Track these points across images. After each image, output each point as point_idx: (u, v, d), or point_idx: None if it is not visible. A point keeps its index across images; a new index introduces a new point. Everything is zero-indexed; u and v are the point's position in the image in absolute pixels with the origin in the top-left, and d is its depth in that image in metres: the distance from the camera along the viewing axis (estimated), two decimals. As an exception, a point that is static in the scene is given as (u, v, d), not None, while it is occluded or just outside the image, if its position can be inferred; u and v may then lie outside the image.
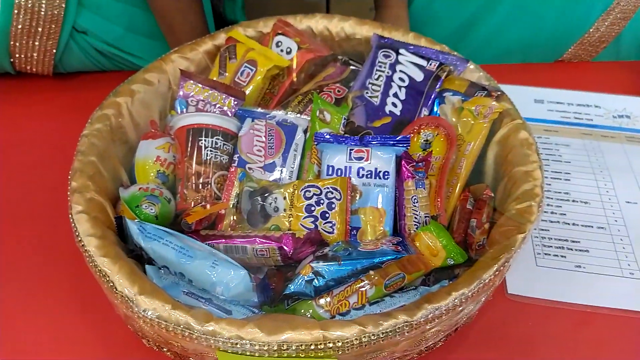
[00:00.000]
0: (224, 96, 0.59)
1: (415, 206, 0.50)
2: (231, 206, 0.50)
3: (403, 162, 0.51)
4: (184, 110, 0.59)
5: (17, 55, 0.71)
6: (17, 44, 0.69)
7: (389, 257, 0.44)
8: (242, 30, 0.65)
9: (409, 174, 0.50)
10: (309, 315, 0.43)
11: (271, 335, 0.36)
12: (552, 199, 0.62)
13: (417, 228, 0.49)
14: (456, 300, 0.39)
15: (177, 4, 0.71)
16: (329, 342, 0.36)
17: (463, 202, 0.54)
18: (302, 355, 0.37)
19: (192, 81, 0.59)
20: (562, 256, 0.56)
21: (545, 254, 0.56)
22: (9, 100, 0.75)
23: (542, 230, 0.59)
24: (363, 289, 0.44)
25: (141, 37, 0.76)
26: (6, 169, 0.66)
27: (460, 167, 0.55)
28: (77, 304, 0.52)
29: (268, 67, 0.61)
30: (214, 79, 0.61)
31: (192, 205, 0.51)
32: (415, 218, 0.50)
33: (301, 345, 0.36)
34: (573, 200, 0.62)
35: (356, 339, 0.37)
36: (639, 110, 0.74)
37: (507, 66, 0.84)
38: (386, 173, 0.50)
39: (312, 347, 0.36)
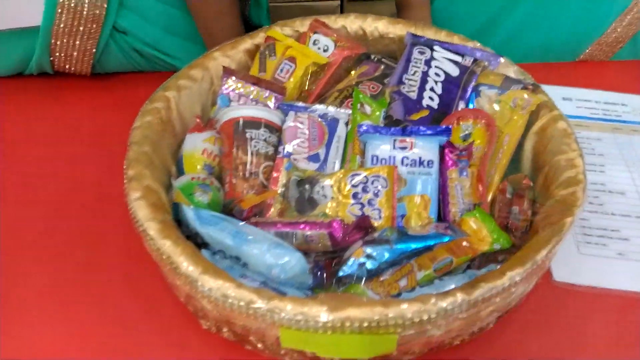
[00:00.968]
0: (265, 92, 0.61)
1: (459, 194, 0.51)
2: (279, 194, 0.52)
3: (446, 150, 0.52)
4: (227, 106, 0.61)
5: (57, 54, 0.73)
6: (58, 43, 0.71)
7: (442, 240, 0.45)
8: (280, 29, 0.67)
9: (453, 163, 0.52)
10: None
11: (334, 312, 0.37)
12: (589, 190, 0.62)
13: (461, 215, 0.50)
14: (511, 280, 0.40)
15: (216, 7, 0.73)
16: (391, 320, 0.37)
17: (502, 191, 0.55)
18: (365, 332, 0.38)
19: (234, 77, 0.61)
20: (603, 245, 0.57)
21: (587, 242, 0.57)
22: (48, 99, 0.77)
23: (582, 219, 0.59)
24: (412, 272, 0.46)
25: (179, 38, 0.78)
26: (46, 165, 0.67)
27: (499, 158, 0.56)
28: (131, 290, 0.53)
29: (307, 64, 0.63)
30: (255, 75, 0.63)
31: (241, 194, 0.52)
32: (460, 206, 0.51)
33: (364, 322, 0.37)
34: (609, 191, 0.63)
35: (417, 316, 0.38)
36: (662, 108, 0.76)
37: (527, 65, 0.85)
38: (430, 162, 0.52)
39: (375, 324, 0.37)
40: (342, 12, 1.68)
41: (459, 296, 0.39)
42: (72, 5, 0.67)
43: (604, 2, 0.80)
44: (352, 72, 0.68)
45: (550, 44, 0.85)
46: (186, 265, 0.40)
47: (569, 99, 0.76)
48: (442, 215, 0.52)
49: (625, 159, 0.67)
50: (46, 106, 0.76)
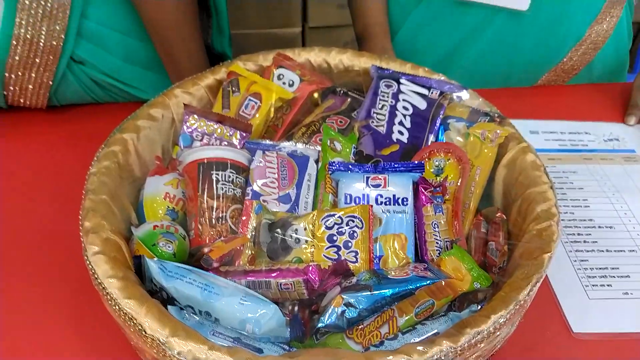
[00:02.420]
0: (230, 129, 0.58)
1: (436, 231, 0.50)
2: (249, 240, 0.49)
3: (420, 187, 0.51)
4: (189, 145, 0.58)
5: (11, 88, 0.69)
6: (13, 76, 0.67)
7: (423, 283, 0.43)
8: (242, 64, 0.65)
9: (427, 200, 0.50)
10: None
11: (317, 371, 0.35)
12: (579, 227, 0.63)
13: (439, 253, 0.49)
14: (496, 323, 0.39)
15: (178, 33, 0.71)
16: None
17: (477, 225, 0.54)
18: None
19: (196, 115, 0.58)
20: (608, 285, 0.56)
21: (593, 285, 0.56)
22: (2, 132, 0.72)
23: (582, 260, 0.59)
24: (393, 317, 0.43)
25: (139, 67, 0.75)
26: (5, 200, 0.63)
27: (472, 192, 0.56)
28: (90, 351, 0.48)
29: (272, 99, 0.61)
30: (218, 112, 0.61)
31: (208, 242, 0.49)
32: (437, 243, 0.50)
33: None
34: (599, 227, 0.63)
35: (403, 368, 0.36)
36: (624, 133, 0.78)
37: (489, 91, 0.87)
38: (405, 199, 0.50)
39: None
40: (303, 39, 1.69)
41: (445, 344, 0.37)
42: (29, 36, 0.63)
43: (560, 33, 0.83)
44: (318, 106, 0.67)
45: (510, 71, 0.87)
46: (152, 327, 0.37)
47: (535, 132, 0.78)
48: (419, 254, 0.50)
49: (604, 190, 0.68)
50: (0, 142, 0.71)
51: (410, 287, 0.43)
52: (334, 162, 0.53)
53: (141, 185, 0.54)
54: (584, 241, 0.61)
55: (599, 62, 0.88)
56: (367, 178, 0.51)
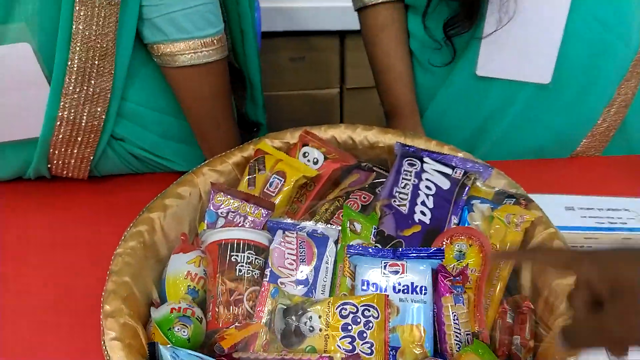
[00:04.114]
0: (253, 207, 0.60)
1: (456, 323, 0.48)
2: (264, 324, 0.49)
3: (440, 276, 0.50)
4: (214, 221, 0.60)
5: (55, 162, 0.73)
6: (56, 152, 0.72)
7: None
8: (270, 142, 0.67)
9: (447, 289, 0.49)
10: None
11: None
12: None
13: (459, 348, 0.47)
14: None
15: (212, 113, 0.74)
16: None
17: (502, 315, 0.52)
18: None
19: (222, 193, 0.60)
20: None
21: None
22: (45, 202, 0.76)
23: None
24: (408, 418, 0.42)
25: (174, 142, 0.79)
26: (42, 271, 0.66)
27: (497, 278, 0.54)
28: None
29: (296, 177, 0.62)
30: (244, 190, 0.63)
31: (223, 325, 0.49)
32: (457, 337, 0.48)
33: None
34: None
35: None
36: (665, 209, 0.74)
37: (521, 162, 0.85)
38: (424, 288, 0.49)
39: None
40: (341, 100, 1.73)
41: None
42: (71, 117, 0.68)
43: (589, 98, 0.81)
44: (343, 182, 0.68)
45: (543, 143, 0.86)
46: (157, 423, 0.37)
47: (571, 208, 0.75)
48: (438, 347, 0.48)
49: None
50: (43, 210, 0.76)
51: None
52: (352, 245, 0.53)
53: (166, 263, 0.56)
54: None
55: (633, 119, 0.85)
56: (385, 264, 0.51)
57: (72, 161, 0.73)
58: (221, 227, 0.58)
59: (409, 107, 0.85)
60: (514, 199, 0.58)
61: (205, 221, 0.60)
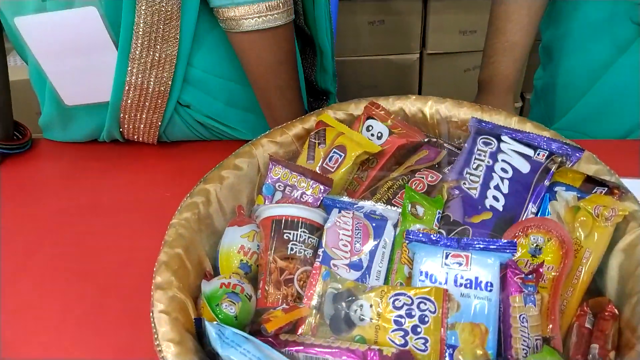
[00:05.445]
0: (311, 182, 0.57)
1: (524, 326, 0.43)
2: (313, 307, 0.47)
3: (509, 272, 0.45)
4: (272, 195, 0.58)
5: (125, 126, 0.76)
6: (127, 116, 0.74)
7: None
8: (333, 113, 0.63)
9: (517, 288, 0.44)
10: None
11: None
12: None
13: (526, 354, 0.42)
14: None
15: (276, 81, 0.72)
16: None
17: (580, 319, 0.46)
18: None
19: (280, 166, 0.58)
20: None
21: None
22: (117, 165, 0.79)
23: None
24: None
25: (240, 110, 0.78)
26: (109, 234, 0.69)
27: (577, 277, 0.47)
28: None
29: (357, 152, 0.59)
30: (303, 164, 0.60)
31: (273, 304, 0.48)
32: (524, 341, 0.43)
33: None
34: None
35: None
36: None
37: (619, 142, 0.75)
38: (489, 284, 0.44)
39: None
40: (421, 66, 1.64)
41: None
42: (139, 82, 0.69)
43: None
44: (410, 158, 0.63)
45: None
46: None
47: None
48: (502, 351, 0.44)
49: None
50: (115, 172, 0.79)
51: (479, 399, 0.37)
52: (411, 231, 0.49)
53: (222, 235, 0.55)
54: None
55: None
56: (447, 254, 0.46)
57: (142, 126, 0.74)
58: (278, 201, 0.56)
59: (507, 82, 0.77)
60: (607, 188, 0.50)
61: (263, 194, 0.58)
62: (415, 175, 0.60)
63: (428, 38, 1.58)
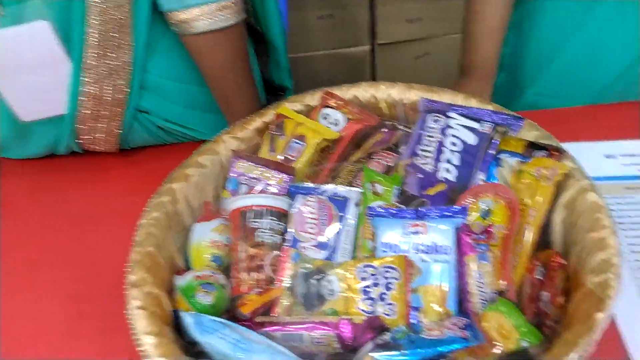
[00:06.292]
0: (274, 173, 0.59)
1: (480, 282, 0.47)
2: (286, 289, 0.49)
3: (463, 235, 0.48)
4: (236, 189, 0.60)
5: (84, 137, 0.75)
6: (84, 127, 0.74)
7: (457, 346, 0.41)
8: (290, 105, 0.66)
9: (471, 248, 0.48)
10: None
11: None
12: None
13: (484, 306, 0.46)
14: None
15: (233, 79, 0.74)
16: None
17: (532, 271, 0.50)
18: None
19: (243, 160, 0.60)
20: None
21: None
22: (77, 177, 0.79)
23: None
24: (430, 378, 0.41)
25: (199, 111, 0.79)
26: (76, 244, 0.69)
27: (525, 235, 0.51)
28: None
29: (317, 140, 0.61)
30: (265, 156, 0.62)
31: (247, 290, 0.50)
32: (482, 296, 0.46)
33: None
34: None
35: None
36: None
37: (559, 111, 0.79)
38: (446, 247, 0.48)
39: None
40: (373, 57, 1.68)
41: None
42: (95, 92, 0.70)
43: None
44: (367, 142, 0.66)
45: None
46: (180, 386, 0.38)
47: (612, 156, 0.70)
48: (462, 307, 0.47)
49: None
50: (76, 185, 0.79)
51: (443, 349, 0.41)
52: (372, 207, 0.52)
53: (190, 232, 0.57)
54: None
55: None
56: (406, 225, 0.50)
57: (101, 135, 0.75)
58: (243, 194, 0.58)
59: (488, 66, 0.80)
60: (546, 151, 0.55)
61: (228, 189, 0.60)
62: (374, 158, 0.63)
63: (378, 29, 1.62)
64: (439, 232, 0.49)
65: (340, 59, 1.65)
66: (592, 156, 0.69)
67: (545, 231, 0.53)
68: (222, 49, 0.71)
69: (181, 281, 0.49)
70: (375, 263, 0.47)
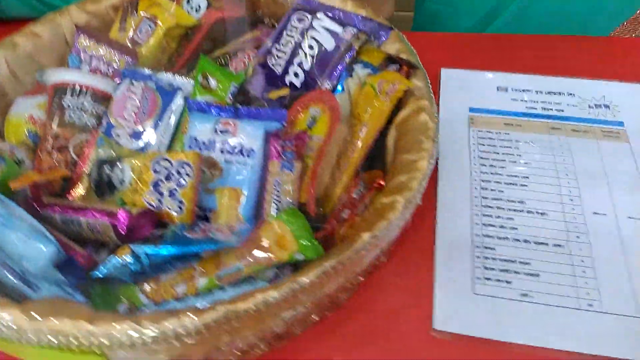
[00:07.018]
0: (117, 54, 0.54)
1: (277, 190, 0.44)
2: (85, 174, 0.46)
3: (272, 139, 0.45)
4: (78, 67, 0.55)
5: None
6: None
7: (206, 247, 0.38)
8: (154, -17, 0.59)
9: (276, 154, 0.44)
10: (126, 303, 0.39)
11: (32, 320, 0.32)
12: (503, 209, 0.52)
13: (277, 215, 0.43)
14: (257, 305, 0.33)
15: None
16: (93, 337, 0.32)
17: (351, 190, 0.47)
18: (65, 348, 0.32)
19: (86, 36, 0.55)
20: (506, 282, 0.46)
21: (486, 278, 0.46)
22: None
23: (487, 248, 0.49)
24: (194, 278, 0.40)
25: None
26: None
27: (353, 151, 0.48)
28: None
29: (169, 24, 0.56)
30: (115, 35, 0.57)
31: (46, 170, 0.47)
32: (277, 204, 0.44)
33: (62, 336, 0.32)
34: (528, 211, 0.51)
35: (127, 337, 0.32)
36: (619, 98, 0.63)
37: (483, 36, 0.73)
38: (251, 150, 0.44)
39: (74, 339, 0.32)
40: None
41: (186, 320, 0.33)
42: None
43: None
44: (241, 37, 0.60)
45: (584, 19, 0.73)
46: None
47: (504, 89, 0.65)
48: (259, 213, 0.45)
49: (558, 169, 0.55)
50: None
51: (194, 249, 0.38)
52: (192, 100, 0.48)
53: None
54: (501, 226, 0.51)
55: None
56: (218, 122, 0.46)
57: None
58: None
59: None
60: (398, 65, 0.50)
61: (69, 65, 0.55)
62: (237, 55, 0.58)
63: None
64: (247, 134, 0.45)
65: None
66: (484, 86, 0.64)
67: (380, 151, 0.49)
68: None
69: (-28, 152, 0.46)
70: (172, 157, 0.44)
